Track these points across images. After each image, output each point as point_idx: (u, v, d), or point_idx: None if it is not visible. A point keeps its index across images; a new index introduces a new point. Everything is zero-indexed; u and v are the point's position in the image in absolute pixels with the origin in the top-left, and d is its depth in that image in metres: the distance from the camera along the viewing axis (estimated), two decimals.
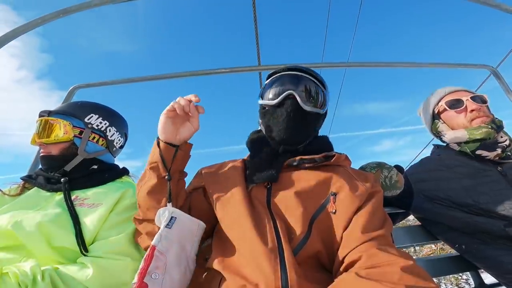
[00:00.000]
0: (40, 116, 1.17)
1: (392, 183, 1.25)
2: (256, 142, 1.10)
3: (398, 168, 1.38)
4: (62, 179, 1.12)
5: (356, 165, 1.20)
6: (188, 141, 0.98)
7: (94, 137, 1.22)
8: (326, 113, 1.11)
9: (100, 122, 1.24)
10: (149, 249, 0.75)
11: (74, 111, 1.20)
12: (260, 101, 1.07)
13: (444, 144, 1.48)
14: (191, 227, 0.86)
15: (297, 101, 0.97)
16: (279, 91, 1.01)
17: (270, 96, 1.03)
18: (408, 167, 1.51)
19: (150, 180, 0.91)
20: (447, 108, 1.41)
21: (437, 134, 1.50)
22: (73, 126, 1.17)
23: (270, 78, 1.08)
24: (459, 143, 1.35)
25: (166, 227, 0.80)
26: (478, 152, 1.27)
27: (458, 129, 1.36)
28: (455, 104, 1.39)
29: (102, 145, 1.25)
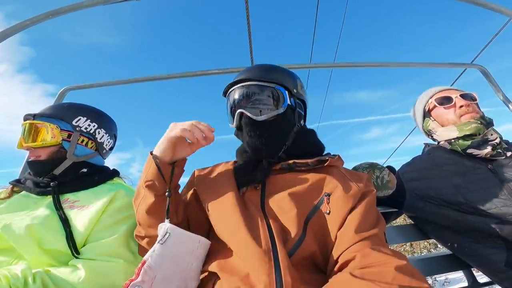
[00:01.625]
0: (25, 119, 1.15)
1: (383, 183, 1.25)
2: (244, 151, 1.07)
3: (390, 168, 1.39)
4: (51, 183, 1.09)
5: (348, 161, 1.20)
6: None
7: (83, 140, 1.20)
8: (295, 105, 1.04)
9: (89, 125, 1.21)
10: (140, 263, 0.74)
11: (61, 114, 1.17)
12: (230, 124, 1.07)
13: (435, 143, 1.50)
14: (190, 244, 0.84)
15: (249, 117, 0.96)
16: (231, 113, 1.02)
17: (229, 119, 1.04)
18: (400, 167, 1.52)
19: (148, 199, 0.88)
20: (437, 105, 1.43)
21: (428, 133, 1.52)
22: (61, 129, 1.14)
23: (226, 98, 1.07)
24: (450, 142, 1.37)
25: (159, 242, 0.79)
26: (469, 150, 1.28)
27: (448, 126, 1.38)
28: (445, 101, 1.41)
29: (91, 148, 1.23)
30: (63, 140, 1.14)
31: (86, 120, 1.21)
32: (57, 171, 1.14)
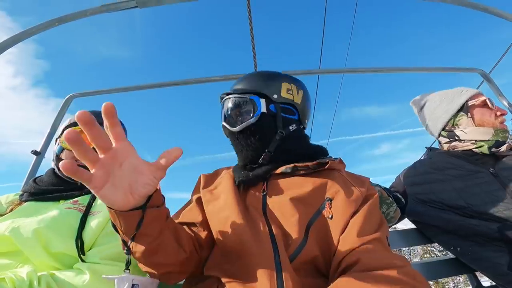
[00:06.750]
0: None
1: (387, 219, 1.26)
2: None
3: (397, 199, 1.39)
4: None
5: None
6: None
7: None
8: (275, 110, 1.02)
9: None
10: None
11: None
12: None
13: (437, 147, 1.50)
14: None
15: (228, 128, 1.04)
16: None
17: None
18: (402, 171, 1.52)
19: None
20: (486, 103, 1.43)
21: (450, 128, 1.48)
22: None
23: None
24: (474, 142, 1.38)
25: None
26: (493, 150, 1.33)
27: (485, 127, 1.38)
28: (489, 104, 1.43)
29: None
30: None
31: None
32: None
